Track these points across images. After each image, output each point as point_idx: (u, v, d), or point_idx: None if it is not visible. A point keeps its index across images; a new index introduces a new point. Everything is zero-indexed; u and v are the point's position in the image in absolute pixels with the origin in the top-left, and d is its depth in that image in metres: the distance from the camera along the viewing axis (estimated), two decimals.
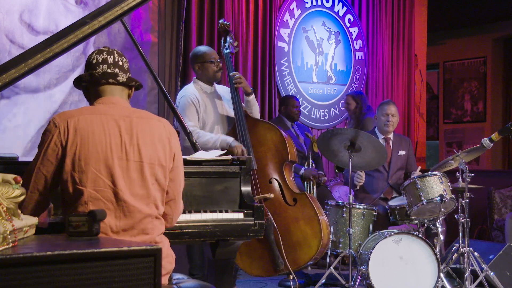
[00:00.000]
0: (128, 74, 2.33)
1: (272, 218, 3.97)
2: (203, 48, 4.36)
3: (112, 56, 2.30)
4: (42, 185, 2.14)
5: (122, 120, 2.20)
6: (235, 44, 4.36)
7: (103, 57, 2.29)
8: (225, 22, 4.34)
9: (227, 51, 4.30)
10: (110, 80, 2.26)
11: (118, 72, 2.29)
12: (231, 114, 4.26)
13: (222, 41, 4.36)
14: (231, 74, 4.21)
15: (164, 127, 2.30)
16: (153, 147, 2.23)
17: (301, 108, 5.90)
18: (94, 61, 2.28)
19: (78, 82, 2.34)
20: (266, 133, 4.19)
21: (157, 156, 2.23)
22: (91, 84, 2.28)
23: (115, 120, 2.18)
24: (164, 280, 2.27)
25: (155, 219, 2.23)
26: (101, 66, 2.27)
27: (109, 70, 2.27)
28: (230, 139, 4.01)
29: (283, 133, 4.23)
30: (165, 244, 2.29)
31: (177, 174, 2.33)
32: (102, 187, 2.11)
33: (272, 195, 4.03)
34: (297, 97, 6.34)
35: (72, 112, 2.19)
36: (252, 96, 4.30)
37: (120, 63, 2.31)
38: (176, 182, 2.32)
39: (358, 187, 4.96)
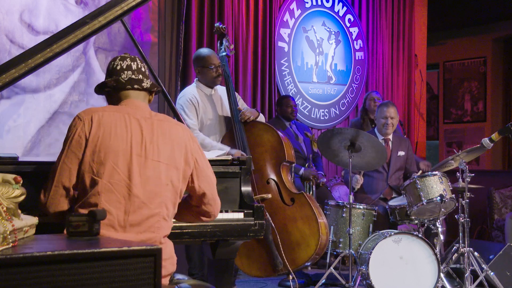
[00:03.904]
0: (150, 80, 2.39)
1: (270, 219, 3.97)
2: (204, 52, 4.36)
3: (135, 63, 2.36)
4: (66, 178, 2.18)
5: (144, 121, 2.26)
6: (231, 47, 4.41)
7: (127, 63, 2.35)
8: (221, 26, 4.39)
9: (223, 53, 4.34)
10: (136, 86, 2.33)
11: (142, 78, 2.36)
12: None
13: (218, 44, 4.39)
14: (238, 117, 4.15)
15: (182, 131, 2.36)
16: (171, 149, 2.28)
17: (298, 107, 5.88)
18: (118, 67, 2.34)
19: (101, 88, 2.38)
20: (263, 134, 4.21)
21: (174, 158, 2.28)
22: (116, 90, 2.34)
23: (137, 120, 2.25)
24: (165, 281, 2.27)
25: (163, 220, 2.25)
26: (126, 72, 2.33)
27: (133, 76, 2.34)
28: (227, 148, 4.04)
29: (280, 133, 4.25)
30: (168, 246, 2.31)
31: (207, 175, 2.39)
32: (117, 180, 2.15)
33: (269, 196, 4.04)
34: (297, 97, 6.35)
35: (97, 108, 2.26)
36: (260, 117, 4.32)
37: (143, 69, 2.38)
38: (209, 182, 2.40)
39: (356, 190, 4.97)
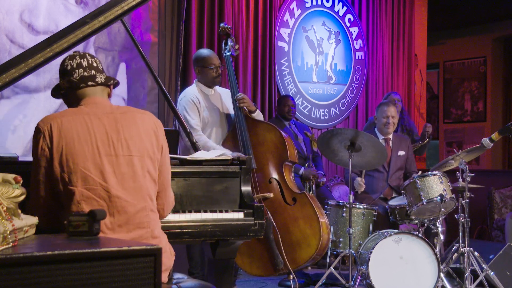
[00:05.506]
0: (104, 74, 2.34)
1: (271, 218, 3.98)
2: (204, 53, 4.38)
3: (85, 59, 2.30)
4: (44, 191, 2.16)
5: (106, 117, 2.21)
6: (236, 47, 4.40)
7: (77, 61, 2.29)
8: (226, 26, 4.39)
9: (228, 53, 4.34)
10: (89, 83, 2.28)
11: (95, 73, 2.30)
12: (232, 116, 4.28)
13: (223, 44, 4.39)
14: (235, 97, 4.22)
15: (148, 120, 2.31)
16: (140, 140, 2.24)
17: (296, 107, 5.82)
18: (69, 67, 2.28)
19: (56, 91, 2.34)
20: (266, 133, 4.21)
21: (146, 149, 2.24)
22: (70, 90, 2.29)
23: (98, 118, 2.20)
24: (164, 276, 2.26)
25: (151, 212, 2.24)
26: (77, 71, 2.27)
27: (85, 74, 2.28)
28: (228, 152, 4.03)
29: (283, 133, 4.25)
30: (162, 240, 2.29)
31: (164, 165, 2.34)
32: (93, 185, 2.12)
33: (271, 195, 4.04)
34: (297, 97, 6.35)
35: (54, 115, 2.21)
36: (256, 112, 4.32)
37: (95, 64, 2.32)
38: (164, 173, 2.34)
39: (359, 193, 4.96)
